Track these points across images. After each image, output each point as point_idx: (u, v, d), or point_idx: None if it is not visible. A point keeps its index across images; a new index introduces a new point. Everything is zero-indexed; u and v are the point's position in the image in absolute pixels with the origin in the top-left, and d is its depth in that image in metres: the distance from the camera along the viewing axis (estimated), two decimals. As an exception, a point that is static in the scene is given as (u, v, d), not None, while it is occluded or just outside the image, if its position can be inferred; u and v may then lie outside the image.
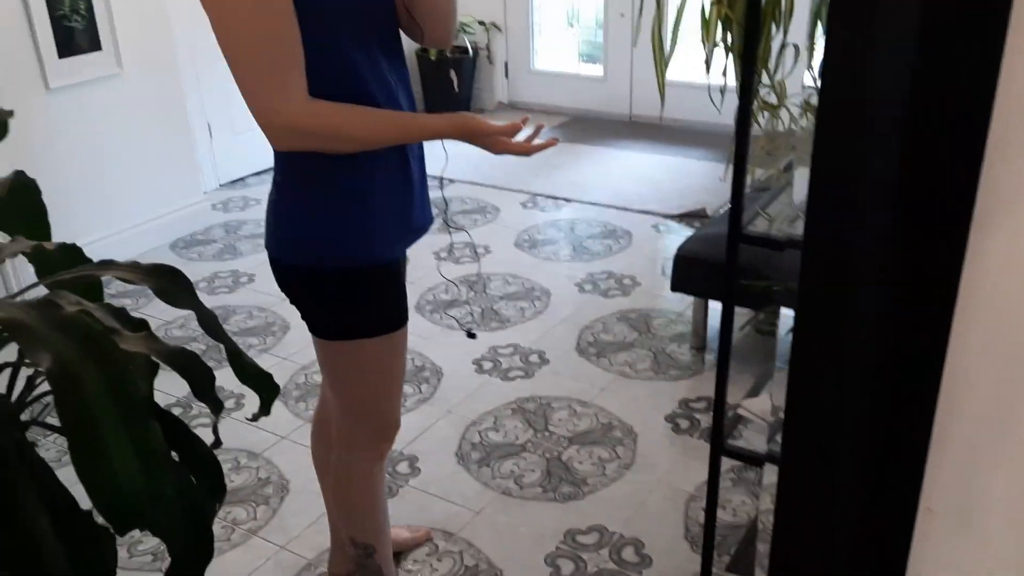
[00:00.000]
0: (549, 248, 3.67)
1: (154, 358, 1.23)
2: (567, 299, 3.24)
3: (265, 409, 1.32)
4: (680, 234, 3.69)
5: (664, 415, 2.55)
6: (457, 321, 1.73)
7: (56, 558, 1.04)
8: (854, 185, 0.82)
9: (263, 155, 3.75)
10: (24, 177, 1.32)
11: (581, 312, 3.15)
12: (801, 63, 1.51)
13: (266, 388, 1.30)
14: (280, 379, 2.78)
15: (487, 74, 5.41)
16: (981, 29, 0.71)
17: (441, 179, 3.88)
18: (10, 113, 1.25)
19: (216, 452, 2.20)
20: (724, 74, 1.76)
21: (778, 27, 1.60)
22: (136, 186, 3.59)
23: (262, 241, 2.38)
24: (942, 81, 0.75)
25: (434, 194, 3.95)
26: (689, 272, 2.76)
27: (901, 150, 0.78)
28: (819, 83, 0.82)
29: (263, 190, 3.96)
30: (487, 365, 2.83)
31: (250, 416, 1.38)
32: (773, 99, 1.64)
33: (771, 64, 1.57)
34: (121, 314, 1.29)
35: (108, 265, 1.22)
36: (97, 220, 3.47)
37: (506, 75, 5.44)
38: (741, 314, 2.89)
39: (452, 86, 5.19)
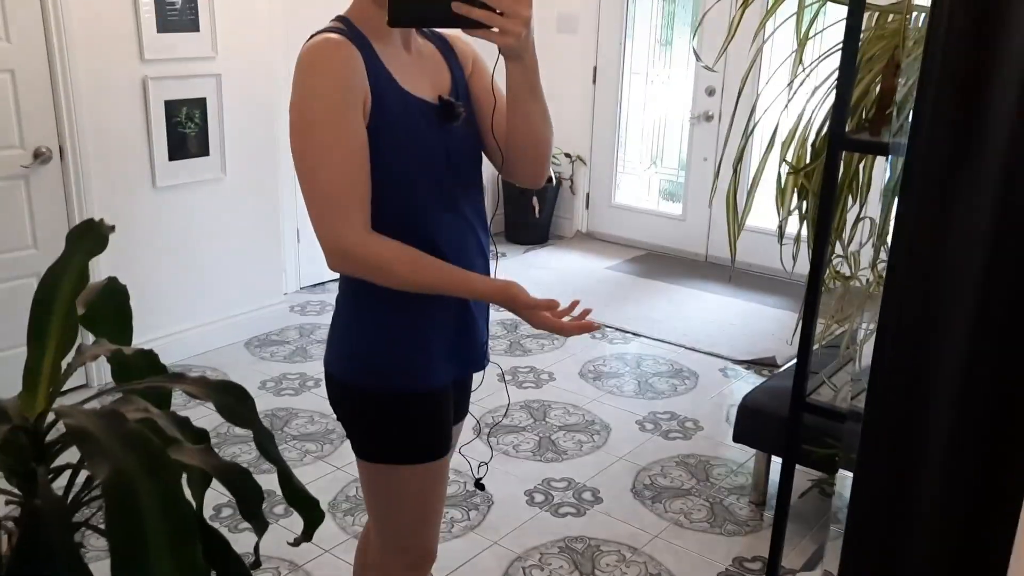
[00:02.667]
0: (613, 381, 3.64)
1: (208, 472, 1.26)
2: (627, 436, 3.19)
3: (307, 535, 1.32)
4: (747, 381, 3.62)
5: (717, 573, 2.44)
6: (470, 466, 1.73)
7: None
8: (918, 363, 0.80)
9: (344, 264, 3.88)
10: (116, 284, 1.40)
11: (640, 452, 3.09)
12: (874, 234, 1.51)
13: (311, 513, 1.31)
14: (331, 490, 2.80)
15: (568, 203, 5.54)
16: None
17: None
18: (111, 228, 1.35)
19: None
20: (796, 240, 1.76)
21: (854, 200, 1.61)
22: (223, 283, 3.75)
23: (331, 353, 2.43)
24: (1008, 286, 0.74)
25: (502, 316, 3.92)
26: (753, 424, 2.70)
27: (968, 333, 0.77)
28: (887, 261, 0.82)
29: (340, 297, 4.07)
30: (539, 497, 2.78)
31: (291, 541, 1.38)
32: (846, 269, 1.63)
33: (845, 235, 1.58)
34: (184, 424, 1.33)
35: (178, 378, 1.27)
36: (182, 312, 3.62)
37: (587, 206, 5.56)
38: (807, 475, 2.78)
39: (533, 212, 5.32)
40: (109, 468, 1.01)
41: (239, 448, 2.97)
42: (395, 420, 1.50)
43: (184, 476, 1.31)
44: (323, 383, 1.57)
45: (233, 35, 3.55)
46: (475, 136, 1.50)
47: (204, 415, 2.21)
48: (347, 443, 2.99)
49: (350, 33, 1.35)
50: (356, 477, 2.83)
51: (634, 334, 4.13)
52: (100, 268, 2.79)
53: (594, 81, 5.33)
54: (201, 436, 1.33)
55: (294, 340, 3.91)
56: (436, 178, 1.43)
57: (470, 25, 1.25)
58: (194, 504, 1.36)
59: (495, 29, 1.26)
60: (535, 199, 5.28)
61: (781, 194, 1.73)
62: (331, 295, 4.47)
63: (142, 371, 1.40)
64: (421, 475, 1.54)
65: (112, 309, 1.39)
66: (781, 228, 1.76)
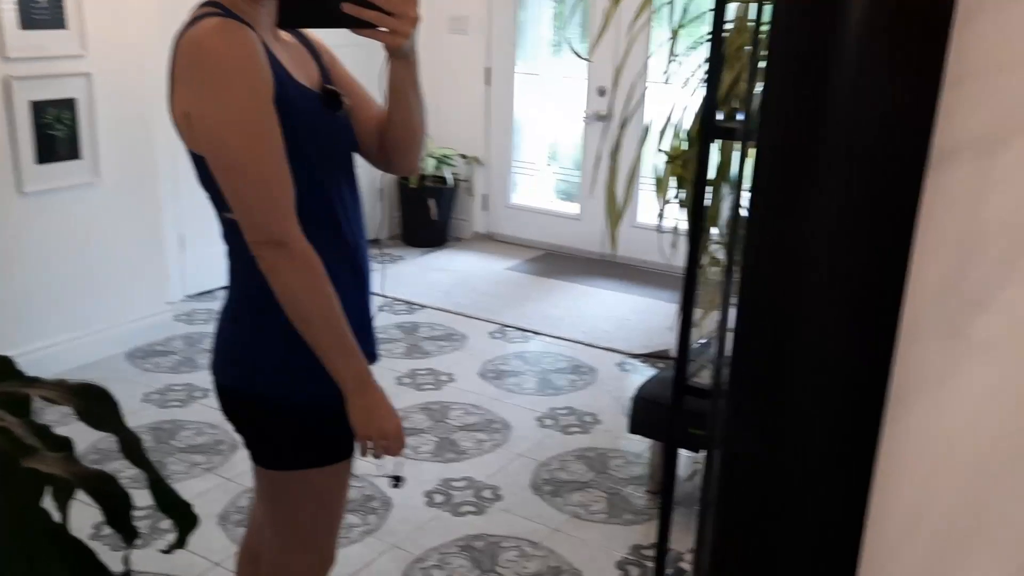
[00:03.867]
0: (513, 380, 3.64)
1: (69, 479, 1.18)
2: (527, 433, 3.19)
3: (180, 542, 1.26)
4: (643, 374, 3.68)
5: (615, 561, 2.46)
6: (378, 467, 1.70)
7: None
8: (770, 350, 0.82)
9: (233, 269, 3.75)
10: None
11: (540, 448, 3.09)
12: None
13: (184, 519, 1.24)
14: (221, 501, 2.69)
15: (466, 205, 5.53)
16: (895, 216, 0.73)
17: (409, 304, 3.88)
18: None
19: (139, 580, 2.07)
20: (675, 230, 1.80)
21: (730, 187, 1.66)
22: (101, 292, 3.56)
23: (215, 358, 2.34)
24: (857, 259, 0.77)
25: (401, 318, 3.90)
26: (647, 415, 2.74)
27: (822, 323, 0.79)
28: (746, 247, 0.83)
29: (230, 304, 3.93)
30: (438, 498, 2.75)
31: (164, 548, 1.31)
32: (722, 255, 1.68)
33: (721, 222, 1.62)
34: (43, 431, 1.24)
35: (33, 382, 1.19)
36: (57, 324, 3.42)
37: (484, 207, 5.56)
38: (695, 461, 2.85)
39: (430, 214, 5.28)
40: (-52, 479, 0.93)
41: (122, 463, 2.82)
42: (306, 425, 1.46)
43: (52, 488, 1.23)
44: (211, 393, 1.50)
45: (104, 32, 3.38)
46: (351, 128, 1.49)
47: (84, 432, 2.10)
48: (238, 454, 2.91)
49: (235, 18, 1.30)
50: (247, 488, 2.74)
51: (534, 332, 4.15)
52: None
53: (487, 82, 5.33)
54: (62, 444, 1.25)
55: (180, 350, 3.75)
56: (332, 170, 1.43)
57: (360, 25, 1.27)
58: (59, 516, 1.27)
59: (384, 29, 1.29)
60: (432, 201, 5.24)
61: (660, 184, 1.76)
62: (220, 303, 4.31)
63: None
64: (333, 476, 1.51)
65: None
66: (660, 215, 1.79)
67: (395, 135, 1.48)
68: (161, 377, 3.49)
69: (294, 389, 1.43)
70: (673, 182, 1.72)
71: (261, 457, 1.49)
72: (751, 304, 0.83)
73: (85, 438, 2.73)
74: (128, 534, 1.18)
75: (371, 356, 1.54)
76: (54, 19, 3.21)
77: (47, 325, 3.38)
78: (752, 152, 0.81)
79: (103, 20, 3.37)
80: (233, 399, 1.48)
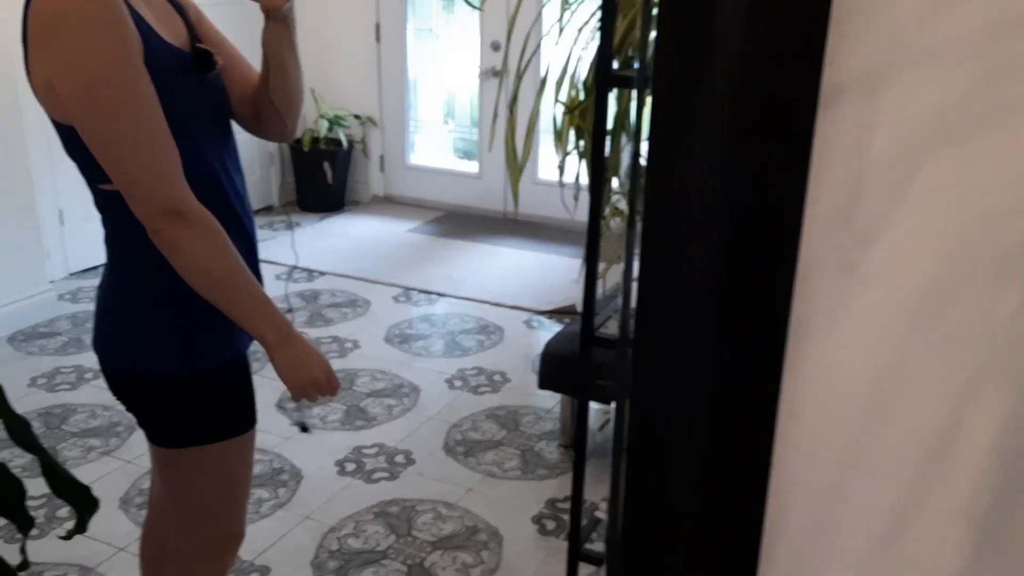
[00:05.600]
0: (420, 343, 3.62)
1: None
2: (436, 396, 3.18)
3: (81, 526, 1.20)
4: (551, 330, 3.72)
5: (531, 516, 2.50)
6: (287, 413, 1.66)
7: None
8: (674, 293, 0.83)
9: (120, 244, 3.57)
10: None
11: (450, 410, 3.09)
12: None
13: (83, 503, 1.18)
14: (122, 485, 2.59)
15: (362, 167, 5.42)
16: (788, 151, 0.75)
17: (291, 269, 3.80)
18: None
19: (39, 570, 1.99)
20: (577, 179, 1.80)
21: (629, 137, 1.67)
22: (-26, 274, 3.34)
23: (105, 337, 2.23)
24: (753, 197, 0.78)
25: (300, 287, 3.82)
26: (556, 369, 2.77)
27: (715, 263, 0.80)
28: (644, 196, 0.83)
29: (119, 280, 3.75)
30: (350, 467, 2.72)
31: (64, 534, 1.25)
32: (624, 205, 1.69)
33: (621, 172, 1.63)
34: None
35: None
36: (-75, 310, 3.19)
37: (381, 169, 5.46)
38: (604, 412, 2.91)
39: (326, 178, 5.15)
40: None
41: (10, 452, 2.68)
42: (197, 400, 1.40)
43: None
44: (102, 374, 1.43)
45: (-42, -8, 3.12)
46: (224, 88, 1.43)
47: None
48: (135, 435, 2.80)
49: None
50: (148, 469, 2.63)
51: (439, 294, 4.12)
52: None
53: (378, 39, 5.20)
54: (-61, 435, 1.17)
55: (66, 331, 3.56)
56: (206, 132, 1.35)
57: None
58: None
59: None
60: (327, 164, 5.11)
61: (558, 135, 1.76)
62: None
63: None
64: (233, 450, 1.46)
65: None
66: (561, 167, 1.79)
67: (272, 100, 1.43)
68: (47, 360, 3.31)
69: (181, 364, 1.38)
70: (572, 134, 1.72)
71: (154, 435, 1.44)
72: (653, 251, 0.83)
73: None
74: (23, 523, 1.12)
75: None
76: (-102, -22, 2.94)
77: (-85, 312, 3.15)
78: (649, 100, 0.81)
79: (-46, -20, 3.10)
80: (119, 377, 1.41)
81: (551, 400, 3.12)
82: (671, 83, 0.77)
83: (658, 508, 0.90)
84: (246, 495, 1.56)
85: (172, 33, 1.33)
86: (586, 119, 1.59)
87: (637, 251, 0.86)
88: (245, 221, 1.42)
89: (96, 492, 1.26)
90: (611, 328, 1.72)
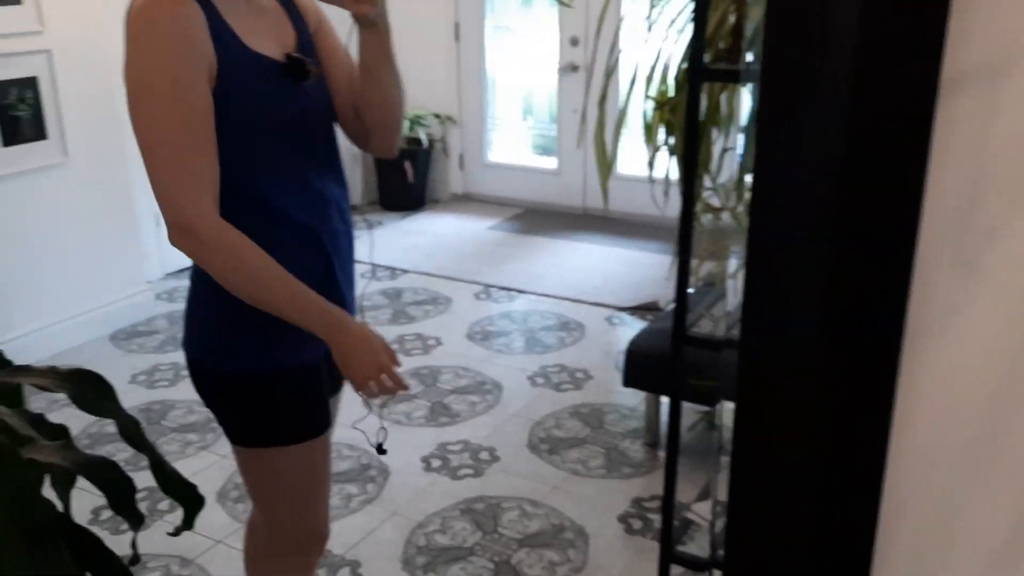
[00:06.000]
0: (501, 340, 3.63)
1: (69, 468, 1.16)
2: (519, 393, 3.19)
3: (188, 523, 1.24)
4: (633, 327, 3.68)
5: (616, 515, 2.48)
6: (366, 437, 1.66)
7: None
8: (785, 293, 0.81)
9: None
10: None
11: (533, 407, 3.10)
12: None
13: (190, 500, 1.23)
14: (218, 479, 2.68)
15: (442, 166, 5.47)
16: (906, 146, 0.72)
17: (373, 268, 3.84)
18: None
19: (143, 561, 2.07)
20: (667, 175, 1.77)
21: (720, 131, 1.63)
22: (77, 276, 3.50)
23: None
24: (869, 194, 0.75)
25: (383, 285, 3.85)
26: (640, 367, 2.74)
27: (829, 262, 0.78)
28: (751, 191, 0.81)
29: (211, 280, 3.87)
30: (436, 463, 2.75)
31: (172, 531, 1.30)
32: (716, 201, 1.66)
33: (713, 167, 1.60)
34: (38, 421, 1.22)
35: (23, 371, 1.15)
36: (34, 310, 3.36)
37: (461, 167, 5.50)
38: (694, 411, 2.86)
39: (407, 177, 5.22)
40: (-55, 475, 0.90)
41: (114, 447, 2.80)
42: (268, 401, 1.42)
43: (50, 476, 1.20)
44: (196, 371, 1.47)
45: (62, 6, 3.26)
46: (328, 97, 1.43)
47: (73, 416, 2.06)
48: (230, 429, 2.88)
49: None
50: (244, 463, 2.72)
51: (519, 291, 4.13)
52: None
53: (457, 38, 5.24)
54: (58, 432, 1.23)
55: (163, 329, 3.71)
56: (291, 143, 1.35)
57: None
58: (60, 504, 1.25)
59: None
60: (407, 163, 5.18)
61: (648, 131, 1.73)
62: (202, 279, 4.25)
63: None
64: (302, 455, 1.46)
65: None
66: (651, 163, 1.76)
67: (370, 112, 1.42)
68: (147, 358, 3.45)
69: (255, 363, 1.39)
70: (662, 129, 1.70)
71: (229, 433, 1.48)
72: (760, 248, 0.81)
73: (75, 423, 2.69)
74: (134, 519, 1.17)
75: None
76: (7, -5, 3.10)
77: (25, 312, 3.32)
78: (745, 92, 0.78)
79: (59, -7, 3.26)
80: (197, 374, 1.45)
81: (635, 398, 3.09)
82: (781, 78, 0.75)
83: (764, 516, 0.87)
84: (323, 498, 1.56)
85: (272, 41, 1.34)
86: (676, 114, 1.57)
87: (736, 248, 0.84)
88: (326, 237, 1.39)
89: (196, 487, 1.31)
90: (702, 327, 1.68)
